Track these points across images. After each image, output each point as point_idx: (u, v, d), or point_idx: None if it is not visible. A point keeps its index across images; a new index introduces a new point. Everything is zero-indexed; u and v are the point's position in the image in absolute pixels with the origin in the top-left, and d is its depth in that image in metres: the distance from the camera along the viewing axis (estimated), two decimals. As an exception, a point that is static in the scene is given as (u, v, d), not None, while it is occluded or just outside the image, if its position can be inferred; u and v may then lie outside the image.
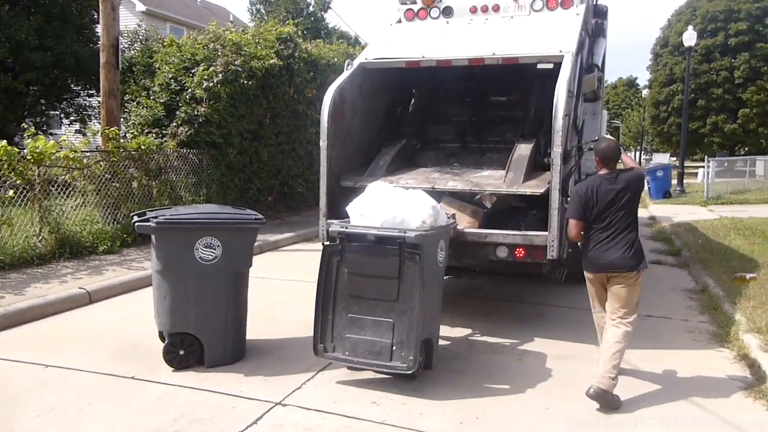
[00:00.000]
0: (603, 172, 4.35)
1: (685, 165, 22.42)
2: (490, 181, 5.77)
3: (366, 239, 4.42)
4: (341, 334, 4.43)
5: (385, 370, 4.32)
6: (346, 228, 4.51)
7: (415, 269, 4.21)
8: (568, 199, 4.57)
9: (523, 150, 5.85)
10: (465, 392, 4.21)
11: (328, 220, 5.94)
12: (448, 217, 5.15)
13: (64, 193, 8.24)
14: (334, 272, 4.50)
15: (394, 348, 4.23)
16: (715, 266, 7.83)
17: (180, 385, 4.25)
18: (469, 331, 5.59)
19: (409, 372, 4.18)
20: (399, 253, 4.23)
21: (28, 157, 7.61)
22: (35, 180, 7.72)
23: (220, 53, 11.11)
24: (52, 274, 7.08)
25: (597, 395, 3.96)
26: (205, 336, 4.54)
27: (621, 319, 4.23)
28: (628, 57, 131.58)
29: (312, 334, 4.48)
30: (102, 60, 9.41)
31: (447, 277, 7.55)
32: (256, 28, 13.04)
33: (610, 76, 74.00)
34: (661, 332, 5.59)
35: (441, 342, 5.19)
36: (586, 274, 4.45)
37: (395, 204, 4.57)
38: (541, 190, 5.21)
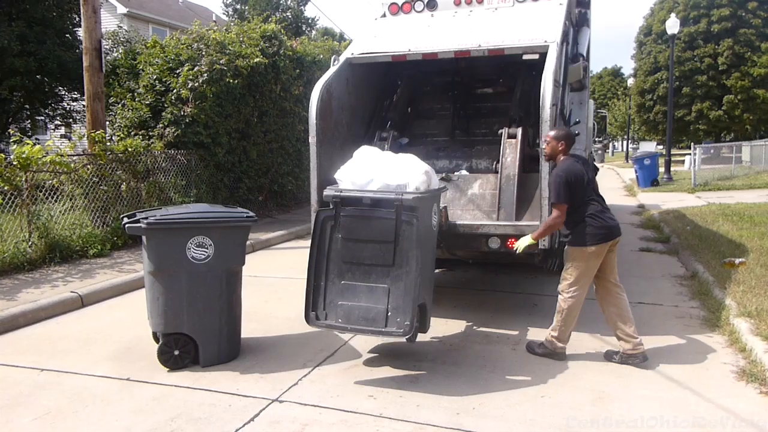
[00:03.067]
0: (565, 157, 4.61)
1: (671, 153, 22.55)
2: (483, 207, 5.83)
3: (361, 203, 4.38)
4: (334, 302, 4.39)
5: (380, 336, 4.28)
6: (341, 192, 4.46)
7: (411, 232, 4.17)
8: (552, 185, 4.52)
9: (510, 163, 5.78)
10: (461, 383, 4.23)
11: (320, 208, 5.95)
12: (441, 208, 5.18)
13: (52, 197, 8.18)
14: (327, 238, 4.43)
15: (389, 314, 4.20)
16: (705, 252, 7.90)
17: (176, 386, 4.24)
18: (463, 322, 5.62)
19: (406, 337, 4.16)
20: (396, 216, 4.20)
21: (15, 163, 7.55)
22: (23, 185, 7.66)
23: (204, 53, 11.05)
24: (44, 278, 7.04)
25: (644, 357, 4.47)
26: (200, 335, 4.54)
27: (618, 282, 4.64)
28: (612, 47, 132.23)
29: (307, 330, 4.47)
30: (85, 63, 9.33)
31: (440, 270, 7.61)
32: (240, 26, 12.99)
33: (595, 66, 74.23)
34: (652, 318, 5.64)
35: (436, 334, 5.22)
36: (590, 249, 4.44)
37: (387, 168, 4.54)
38: (536, 223, 5.20)
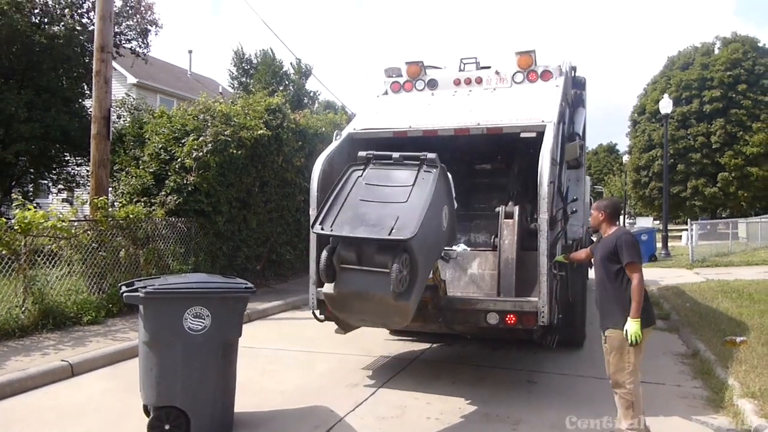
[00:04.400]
0: (615, 227, 4.49)
1: (668, 228, 22.72)
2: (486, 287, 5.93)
3: (390, 158, 5.07)
4: (343, 221, 4.62)
5: (384, 242, 4.44)
6: (373, 153, 5.15)
7: (429, 177, 4.81)
8: (624, 245, 4.25)
9: (508, 246, 5.88)
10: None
11: (318, 288, 5.94)
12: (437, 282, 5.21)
13: (50, 262, 8.16)
14: (352, 183, 4.95)
15: (393, 229, 4.44)
16: (705, 330, 7.83)
17: (165, 462, 4.10)
18: (462, 399, 5.49)
19: (407, 238, 4.35)
20: (418, 167, 4.89)
21: (16, 227, 7.57)
22: (21, 250, 7.66)
23: (209, 123, 11.31)
24: (34, 346, 6.92)
25: None
26: (192, 409, 4.42)
27: None
28: (607, 124, 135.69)
29: (303, 404, 4.37)
30: (93, 131, 9.54)
31: (438, 344, 7.52)
32: (245, 99, 13.33)
33: (591, 143, 75.78)
34: (655, 398, 5.52)
35: (435, 414, 5.10)
36: (647, 331, 4.23)
37: None
38: (535, 299, 5.22)
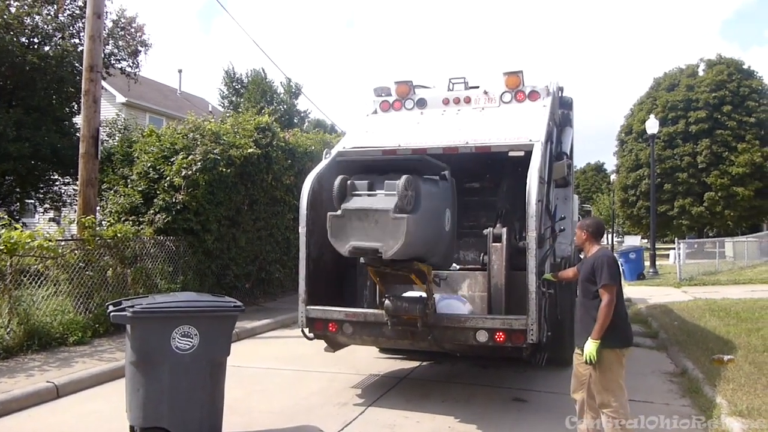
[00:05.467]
0: (599, 246, 4.52)
1: (656, 246, 22.87)
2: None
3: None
4: None
5: (397, 162, 5.08)
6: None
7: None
8: (603, 267, 4.26)
9: (497, 271, 5.94)
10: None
11: (308, 306, 5.93)
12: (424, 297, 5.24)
13: (36, 282, 8.07)
14: None
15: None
16: (693, 348, 7.86)
17: (151, 484, 4.05)
18: (451, 418, 5.46)
19: (419, 158, 4.97)
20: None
21: (1, 247, 7.50)
22: (6, 270, 7.58)
23: (199, 142, 11.31)
24: (19, 367, 6.82)
25: None
26: (179, 430, 4.37)
27: None
28: (594, 143, 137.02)
29: (292, 424, 4.33)
30: (81, 150, 9.50)
31: (428, 362, 7.49)
32: (234, 117, 13.36)
33: (579, 162, 76.48)
34: (644, 417, 5.51)
35: (423, 431, 5.07)
36: (623, 351, 4.29)
37: None
38: (524, 317, 5.24)
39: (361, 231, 4.85)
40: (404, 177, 4.74)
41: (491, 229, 6.11)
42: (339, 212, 4.97)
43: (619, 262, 4.50)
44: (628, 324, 4.47)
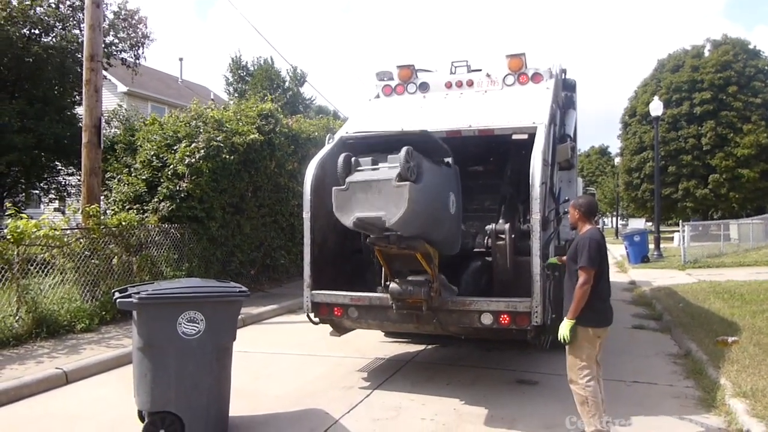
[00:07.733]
0: (590, 226, 4.50)
1: (660, 229, 22.82)
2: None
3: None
4: None
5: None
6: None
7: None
8: (585, 249, 4.28)
9: (501, 268, 5.96)
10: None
11: (313, 291, 5.96)
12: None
13: (43, 271, 8.13)
14: None
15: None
16: (697, 330, 7.87)
17: (160, 467, 4.10)
18: (456, 400, 5.51)
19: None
20: None
21: (8, 237, 7.55)
22: (14, 259, 7.63)
23: (202, 130, 11.31)
24: (29, 354, 6.90)
25: None
26: (187, 414, 4.42)
27: (599, 361, 4.43)
28: (598, 126, 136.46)
29: (298, 408, 4.37)
30: (84, 140, 9.52)
31: (433, 345, 7.53)
32: (237, 105, 13.33)
33: (583, 145, 76.17)
34: (647, 398, 5.56)
35: (429, 413, 5.12)
36: (596, 331, 4.31)
37: None
38: (528, 299, 5.24)
39: (365, 202, 4.88)
40: (405, 148, 4.81)
41: (494, 225, 6.10)
42: (344, 186, 5.04)
43: (605, 243, 4.46)
44: (608, 305, 4.45)
